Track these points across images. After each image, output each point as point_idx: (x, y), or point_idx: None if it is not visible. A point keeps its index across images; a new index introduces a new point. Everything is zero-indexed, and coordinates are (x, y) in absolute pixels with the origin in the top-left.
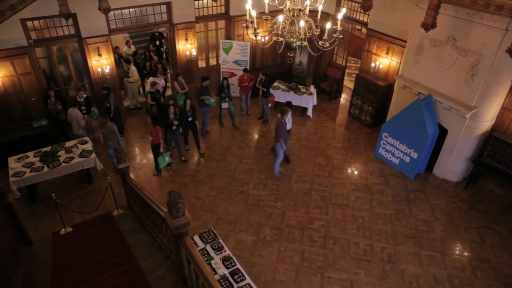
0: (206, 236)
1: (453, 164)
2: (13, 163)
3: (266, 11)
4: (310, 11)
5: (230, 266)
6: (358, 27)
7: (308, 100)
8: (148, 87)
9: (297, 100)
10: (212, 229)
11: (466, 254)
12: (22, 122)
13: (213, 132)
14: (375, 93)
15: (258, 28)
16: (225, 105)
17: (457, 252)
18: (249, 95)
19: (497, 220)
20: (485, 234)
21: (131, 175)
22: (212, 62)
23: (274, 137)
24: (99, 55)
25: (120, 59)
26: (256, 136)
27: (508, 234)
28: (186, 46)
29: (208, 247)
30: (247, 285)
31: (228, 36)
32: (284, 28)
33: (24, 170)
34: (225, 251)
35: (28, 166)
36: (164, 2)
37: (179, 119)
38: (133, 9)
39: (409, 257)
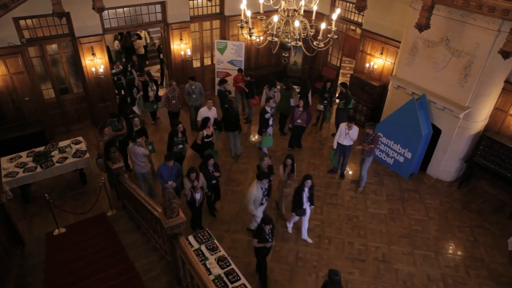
0: (201, 236)
1: (446, 164)
2: (6, 163)
3: (261, 11)
4: (304, 11)
5: (225, 266)
6: (352, 27)
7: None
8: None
9: (291, 100)
10: (207, 229)
11: (459, 253)
12: (14, 122)
13: None
14: (370, 93)
15: (253, 28)
16: (320, 107)
17: (450, 251)
18: (244, 95)
19: (489, 219)
20: (478, 233)
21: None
22: (207, 62)
23: (365, 152)
24: (93, 54)
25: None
26: (251, 136)
27: (501, 233)
28: (180, 46)
29: (203, 247)
30: (242, 285)
31: (223, 36)
32: (279, 28)
33: (17, 171)
34: (220, 251)
35: (21, 166)
36: (158, 1)
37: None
38: (127, 8)
39: (403, 256)
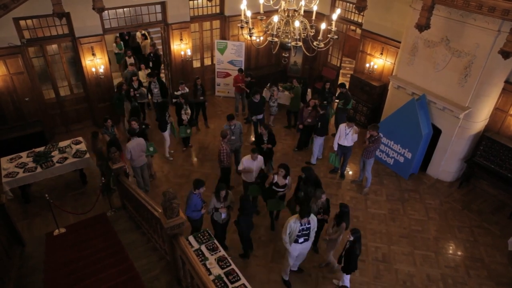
0: (201, 237)
1: (446, 164)
2: (6, 164)
3: (261, 11)
4: (305, 11)
5: (225, 266)
6: (352, 27)
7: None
8: None
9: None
10: (207, 229)
11: (459, 253)
12: (15, 122)
13: (207, 133)
14: (370, 93)
15: (253, 28)
16: None
17: (450, 252)
18: (244, 95)
19: (489, 219)
20: (478, 233)
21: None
22: (207, 62)
23: (365, 155)
24: (93, 54)
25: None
26: (251, 136)
27: (500, 233)
28: (180, 46)
29: (203, 248)
30: (242, 285)
31: (223, 36)
32: (279, 28)
33: (17, 171)
34: (220, 251)
35: (21, 166)
36: (158, 1)
37: None
38: (128, 8)
39: (403, 256)
